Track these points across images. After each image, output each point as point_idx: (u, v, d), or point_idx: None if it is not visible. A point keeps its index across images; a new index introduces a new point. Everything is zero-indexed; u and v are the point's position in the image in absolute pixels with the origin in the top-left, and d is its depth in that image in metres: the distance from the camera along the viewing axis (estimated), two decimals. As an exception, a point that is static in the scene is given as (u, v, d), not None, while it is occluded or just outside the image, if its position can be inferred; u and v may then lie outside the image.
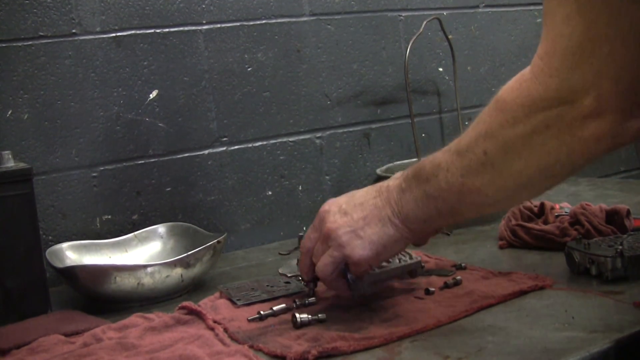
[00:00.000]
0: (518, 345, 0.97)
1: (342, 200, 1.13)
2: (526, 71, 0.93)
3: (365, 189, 1.15)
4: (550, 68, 0.89)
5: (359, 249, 1.08)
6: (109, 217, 1.62)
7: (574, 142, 0.90)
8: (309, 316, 1.11)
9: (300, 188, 1.86)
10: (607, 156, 0.93)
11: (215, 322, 1.15)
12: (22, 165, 1.31)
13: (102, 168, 1.61)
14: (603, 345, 0.94)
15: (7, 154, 1.31)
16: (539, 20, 2.31)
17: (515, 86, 0.93)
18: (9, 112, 1.52)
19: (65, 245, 1.46)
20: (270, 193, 1.82)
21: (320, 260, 1.11)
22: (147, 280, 1.30)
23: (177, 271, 1.32)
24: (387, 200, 1.09)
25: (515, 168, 0.95)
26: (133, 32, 1.64)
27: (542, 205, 1.55)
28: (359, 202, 1.11)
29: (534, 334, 1.00)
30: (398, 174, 1.12)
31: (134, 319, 1.19)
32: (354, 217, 1.09)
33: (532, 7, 2.33)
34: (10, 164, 1.31)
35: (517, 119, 0.92)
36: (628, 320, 1.01)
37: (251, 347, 1.04)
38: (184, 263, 1.33)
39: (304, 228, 1.85)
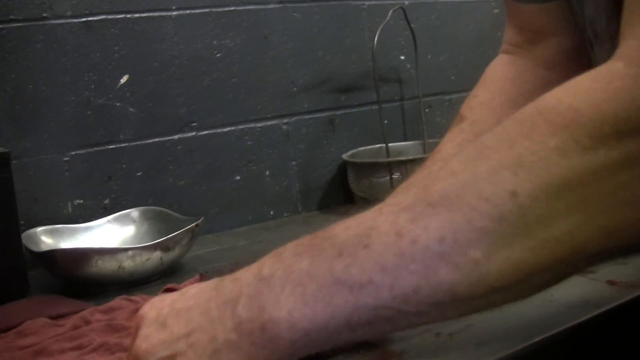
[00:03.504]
0: (503, 321, 1.00)
1: (167, 300, 0.73)
2: (618, 66, 0.56)
3: (205, 282, 0.74)
4: None
5: None
6: (81, 201, 1.61)
7: None
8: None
9: (267, 173, 1.87)
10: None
11: (201, 303, 1.17)
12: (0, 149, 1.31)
13: (73, 153, 1.61)
14: (585, 318, 0.99)
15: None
16: (496, 11, 2.36)
17: (596, 88, 0.55)
18: (-19, 96, 1.51)
19: (39, 229, 1.46)
20: (238, 178, 1.83)
21: None
22: (127, 263, 1.30)
23: (157, 254, 1.34)
24: (230, 301, 0.68)
25: (564, 226, 0.57)
26: (104, 17, 1.64)
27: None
28: (185, 307, 0.70)
29: (517, 311, 1.03)
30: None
31: (120, 301, 1.20)
32: (174, 331, 0.69)
33: (489, -1, 2.38)
34: (-13, 147, 1.30)
35: (591, 144, 0.54)
36: (604, 296, 1.05)
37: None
38: (164, 246, 1.34)
39: (271, 212, 1.88)
